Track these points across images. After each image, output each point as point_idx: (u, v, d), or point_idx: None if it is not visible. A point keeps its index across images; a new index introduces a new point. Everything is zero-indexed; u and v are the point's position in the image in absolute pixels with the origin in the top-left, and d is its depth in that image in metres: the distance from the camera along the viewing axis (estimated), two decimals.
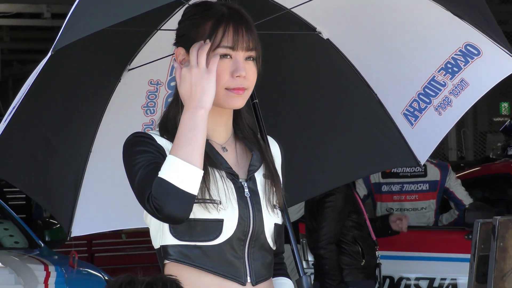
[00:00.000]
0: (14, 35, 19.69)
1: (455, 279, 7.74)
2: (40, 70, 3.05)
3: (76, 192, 3.75)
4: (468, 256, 6.48)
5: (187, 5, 3.37)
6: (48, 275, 6.70)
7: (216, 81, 3.12)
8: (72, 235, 3.84)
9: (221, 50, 3.13)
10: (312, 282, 7.22)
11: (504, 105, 17.10)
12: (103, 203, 3.76)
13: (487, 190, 8.89)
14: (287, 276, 3.46)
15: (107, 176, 3.70)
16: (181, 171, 2.98)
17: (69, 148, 3.71)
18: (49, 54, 2.93)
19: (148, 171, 3.07)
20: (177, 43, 3.26)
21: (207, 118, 3.06)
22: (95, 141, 3.72)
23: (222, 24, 3.14)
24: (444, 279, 7.84)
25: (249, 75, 3.17)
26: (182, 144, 3.02)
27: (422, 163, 3.95)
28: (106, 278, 6.78)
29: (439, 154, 16.01)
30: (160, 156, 3.12)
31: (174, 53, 3.56)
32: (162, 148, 3.16)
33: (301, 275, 3.39)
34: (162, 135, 3.21)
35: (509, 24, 15.22)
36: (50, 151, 3.62)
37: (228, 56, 3.14)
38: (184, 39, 3.21)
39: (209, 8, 3.21)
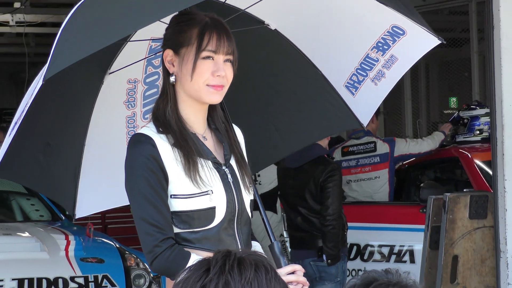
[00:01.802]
0: (38, 41, 19.60)
1: (412, 246, 7.73)
2: (34, 97, 3.15)
3: (76, 182, 3.75)
4: (422, 227, 6.48)
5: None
6: (68, 243, 6.68)
7: (199, 78, 3.23)
8: (76, 217, 3.87)
9: (206, 53, 3.21)
10: (289, 250, 7.23)
11: (453, 100, 17.09)
12: (99, 187, 3.75)
13: (439, 171, 8.89)
14: (255, 239, 3.52)
15: (100, 164, 3.71)
16: None
17: (66, 146, 3.71)
18: (41, 83, 3.01)
19: (147, 216, 3.19)
20: (165, 46, 3.32)
21: None
22: (87, 136, 3.72)
23: (207, 31, 3.22)
24: (403, 246, 7.84)
25: (227, 75, 3.25)
26: None
27: (365, 125, 3.98)
28: (117, 245, 6.76)
29: None
30: (154, 177, 3.20)
31: (147, 56, 3.64)
32: (159, 156, 3.21)
33: (272, 241, 3.42)
34: (157, 128, 3.27)
35: (456, 31, 15.18)
36: (50, 152, 3.64)
37: (211, 58, 3.21)
38: (172, 42, 3.29)
39: (193, 17, 3.27)
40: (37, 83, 3.11)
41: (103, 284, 6.13)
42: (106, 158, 3.55)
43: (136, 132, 3.32)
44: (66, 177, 3.75)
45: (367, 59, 3.81)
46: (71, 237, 6.81)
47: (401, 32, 3.73)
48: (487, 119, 9.23)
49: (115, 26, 3.02)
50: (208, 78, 3.23)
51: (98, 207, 3.87)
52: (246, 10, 3.68)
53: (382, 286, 3.09)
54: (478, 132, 9.09)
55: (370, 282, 3.18)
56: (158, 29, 3.41)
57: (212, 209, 3.26)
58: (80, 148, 3.72)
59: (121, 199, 3.40)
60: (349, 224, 7.53)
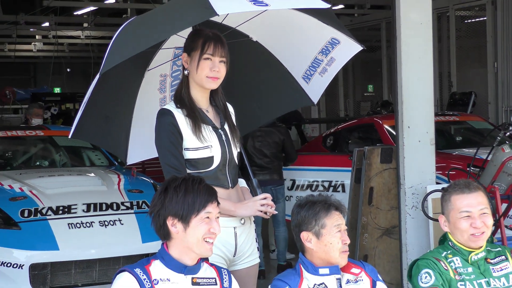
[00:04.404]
0: (100, 48, 19.52)
1: (343, 181, 7.76)
2: (94, 85, 3.26)
3: (127, 141, 3.72)
4: (350, 168, 6.49)
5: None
6: (119, 180, 6.67)
7: (201, 72, 3.25)
8: (127, 164, 3.86)
9: (206, 55, 3.23)
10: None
11: (370, 86, 17.14)
12: (142, 144, 3.72)
13: (361, 132, 8.89)
14: (241, 177, 3.51)
15: (142, 129, 3.69)
16: None
17: (119, 117, 3.68)
18: (98, 76, 3.14)
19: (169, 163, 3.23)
20: (184, 50, 3.34)
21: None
22: (134, 111, 3.69)
23: (207, 41, 3.24)
24: (337, 181, 7.85)
25: (221, 71, 3.27)
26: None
27: (315, 103, 3.95)
28: (152, 182, 6.76)
29: (334, 113, 15.98)
30: (173, 137, 3.22)
31: (173, 58, 3.69)
32: (176, 123, 3.23)
33: (252, 178, 3.45)
34: (176, 104, 3.30)
35: (372, 41, 15.17)
36: (108, 121, 3.63)
37: (209, 59, 3.23)
38: (187, 48, 3.31)
39: (201, 32, 3.30)
40: (96, 76, 3.22)
41: (142, 207, 6.11)
42: (146, 125, 3.53)
43: (161, 107, 3.34)
44: (120, 138, 3.71)
45: (316, 60, 3.78)
46: (121, 176, 6.79)
47: (337, 42, 3.70)
48: None
49: (147, 38, 3.07)
50: (207, 72, 3.25)
51: (141, 157, 3.82)
52: (236, 28, 3.66)
53: (313, 202, 3.15)
54: None
55: (307, 201, 3.22)
56: (179, 41, 3.43)
57: (211, 158, 3.28)
58: (130, 119, 3.69)
59: (155, 152, 3.41)
60: (304, 167, 7.69)
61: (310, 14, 3.56)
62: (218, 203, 2.85)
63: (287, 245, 7.36)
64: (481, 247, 3.36)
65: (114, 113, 3.64)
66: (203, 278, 2.83)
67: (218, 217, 2.84)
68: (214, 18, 3.51)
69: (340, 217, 3.14)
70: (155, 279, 2.74)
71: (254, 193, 3.41)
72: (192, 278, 2.80)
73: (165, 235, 2.81)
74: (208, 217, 2.78)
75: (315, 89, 3.87)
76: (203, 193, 2.78)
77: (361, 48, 3.73)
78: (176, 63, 3.74)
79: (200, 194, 2.78)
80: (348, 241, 3.14)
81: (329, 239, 3.09)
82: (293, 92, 3.88)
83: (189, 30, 3.39)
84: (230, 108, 3.48)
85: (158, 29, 3.11)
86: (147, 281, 2.72)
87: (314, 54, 3.76)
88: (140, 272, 2.74)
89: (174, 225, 2.77)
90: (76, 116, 3.43)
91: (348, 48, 3.73)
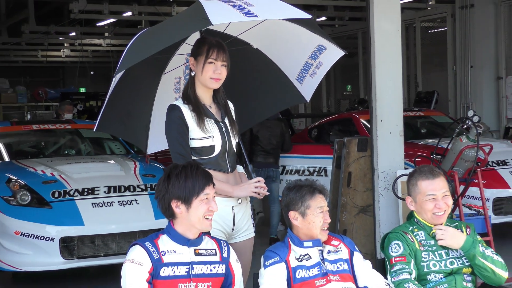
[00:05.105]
0: (119, 55, 19.37)
1: (326, 167, 7.74)
2: (114, 85, 3.22)
3: (147, 133, 3.70)
4: (331, 156, 6.49)
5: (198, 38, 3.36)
6: (135, 166, 6.66)
7: (206, 74, 3.22)
8: (148, 153, 3.83)
9: (210, 60, 3.20)
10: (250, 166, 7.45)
11: (348, 86, 17.10)
12: (159, 136, 3.68)
13: (341, 126, 8.88)
14: (239, 164, 3.50)
15: (160, 123, 3.66)
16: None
17: (140, 113, 3.65)
18: (116, 76, 3.13)
19: (176, 148, 3.19)
20: (191, 55, 3.31)
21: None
22: (153, 107, 3.66)
23: (211, 47, 3.21)
24: (321, 167, 7.84)
25: (222, 73, 3.24)
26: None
27: (308, 101, 3.90)
28: (163, 167, 6.73)
29: (318, 109, 15.97)
30: (181, 128, 3.19)
31: (185, 63, 3.61)
32: (183, 116, 3.21)
33: (248, 164, 3.43)
34: (183, 100, 3.27)
35: (350, 48, 15.11)
36: (130, 116, 3.61)
37: (213, 63, 3.20)
38: (194, 53, 3.28)
39: (206, 40, 3.27)
40: (116, 77, 3.19)
41: (155, 189, 6.10)
42: (163, 121, 3.48)
43: (171, 103, 3.31)
44: (141, 130, 3.70)
45: (307, 63, 3.74)
46: (137, 163, 6.78)
47: (324, 48, 3.68)
48: None
49: (155, 45, 3.06)
50: (211, 74, 3.22)
51: (159, 147, 3.79)
52: (237, 36, 3.63)
53: (300, 186, 3.14)
54: None
55: (295, 184, 3.21)
56: (190, 48, 3.39)
57: (213, 146, 3.26)
58: (149, 114, 3.67)
59: None
60: (292, 155, 7.69)
61: (300, 24, 3.53)
62: (214, 184, 2.86)
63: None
64: (442, 223, 3.38)
65: (135, 110, 3.62)
66: (205, 249, 2.86)
67: (214, 196, 2.85)
68: (217, 28, 3.49)
69: (323, 199, 3.15)
70: (163, 251, 2.76)
71: (249, 177, 3.40)
72: (195, 249, 2.82)
73: (170, 215, 2.83)
74: (206, 198, 2.80)
75: (307, 89, 3.84)
76: (201, 178, 2.80)
77: (344, 53, 3.71)
78: (188, 67, 3.73)
79: (199, 179, 2.79)
80: (329, 221, 3.16)
81: (312, 218, 3.11)
82: (289, 91, 3.86)
83: (196, 37, 3.37)
84: (231, 105, 3.47)
85: (164, 37, 3.10)
86: (155, 253, 2.74)
87: (305, 58, 3.73)
88: (150, 245, 2.76)
89: (178, 207, 2.78)
90: (100, 112, 3.42)
91: (333, 53, 3.71)
